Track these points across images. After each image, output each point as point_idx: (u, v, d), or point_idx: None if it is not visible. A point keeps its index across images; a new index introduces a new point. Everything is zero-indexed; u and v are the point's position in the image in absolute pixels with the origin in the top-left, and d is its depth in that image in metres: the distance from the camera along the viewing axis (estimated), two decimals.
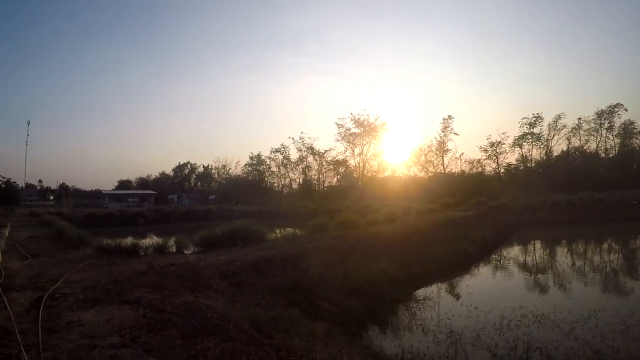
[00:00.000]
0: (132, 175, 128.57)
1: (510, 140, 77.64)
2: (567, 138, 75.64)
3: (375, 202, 50.43)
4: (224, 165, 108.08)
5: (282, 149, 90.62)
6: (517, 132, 77.97)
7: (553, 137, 75.66)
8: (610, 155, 73.83)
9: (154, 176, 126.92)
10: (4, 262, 13.60)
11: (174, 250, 17.10)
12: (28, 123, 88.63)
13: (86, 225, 34.83)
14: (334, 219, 25.28)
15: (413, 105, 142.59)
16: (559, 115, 74.44)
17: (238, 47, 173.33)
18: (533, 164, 77.83)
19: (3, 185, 55.71)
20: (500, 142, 77.26)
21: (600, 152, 74.57)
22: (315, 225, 23.25)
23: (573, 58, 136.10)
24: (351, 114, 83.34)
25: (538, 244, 29.91)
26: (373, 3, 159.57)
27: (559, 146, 76.47)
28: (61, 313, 7.87)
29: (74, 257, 15.27)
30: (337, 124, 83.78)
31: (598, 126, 73.90)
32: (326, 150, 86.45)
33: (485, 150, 78.47)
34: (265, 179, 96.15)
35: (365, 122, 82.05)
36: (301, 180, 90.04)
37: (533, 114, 75.94)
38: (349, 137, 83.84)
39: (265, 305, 10.05)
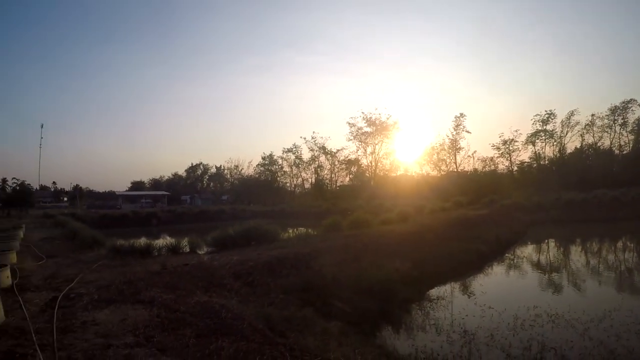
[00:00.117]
0: (145, 177, 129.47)
1: (523, 138, 76.64)
2: (581, 135, 74.31)
3: (388, 201, 50.16)
4: (237, 166, 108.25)
5: (294, 149, 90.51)
6: (529, 130, 77.01)
7: (566, 134, 74.55)
8: (625, 152, 72.34)
9: (166, 177, 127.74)
10: (19, 263, 13.71)
11: (188, 250, 17.15)
12: (41, 126, 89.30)
13: (100, 226, 35.08)
14: (347, 218, 25.20)
15: (424, 104, 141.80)
16: (572, 112, 73.38)
17: (249, 48, 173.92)
18: (546, 162, 76.79)
19: (18, 188, 56.19)
20: (513, 139, 76.27)
21: (614, 148, 73.14)
22: (328, 225, 23.20)
23: (584, 54, 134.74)
24: (363, 113, 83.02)
25: (552, 243, 29.57)
26: (383, 1, 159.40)
27: (572, 143, 75.28)
28: (76, 313, 7.91)
29: (88, 258, 15.37)
30: (349, 123, 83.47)
31: (612, 122, 72.42)
32: (338, 150, 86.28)
33: (498, 148, 77.67)
34: (278, 179, 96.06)
35: (377, 121, 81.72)
36: (313, 180, 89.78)
37: (546, 111, 74.88)
38: (360, 136, 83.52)
39: (278, 304, 10.04)
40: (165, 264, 12.86)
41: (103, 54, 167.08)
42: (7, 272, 10.42)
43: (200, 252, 16.93)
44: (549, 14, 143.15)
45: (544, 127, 74.74)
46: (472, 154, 78.64)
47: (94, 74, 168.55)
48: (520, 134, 76.01)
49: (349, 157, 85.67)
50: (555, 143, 75.69)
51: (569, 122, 73.55)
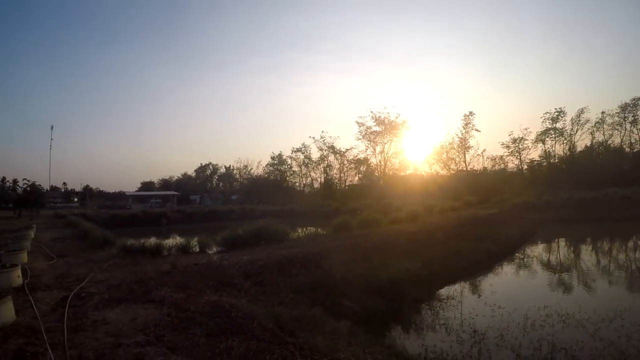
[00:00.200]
0: (155, 177, 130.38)
1: (532, 136, 75.71)
2: (591, 133, 73.28)
3: (397, 200, 50.05)
4: (246, 166, 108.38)
5: (303, 149, 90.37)
6: (539, 128, 75.94)
7: (576, 132, 73.46)
8: (635, 150, 71.06)
9: (176, 177, 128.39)
10: (30, 263, 13.82)
11: (197, 250, 17.21)
12: (51, 128, 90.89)
13: (110, 226, 35.26)
14: (356, 217, 25.17)
15: (432, 102, 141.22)
16: (582, 110, 72.22)
17: (256, 48, 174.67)
18: (556, 160, 75.80)
19: (28, 189, 56.63)
20: (522, 138, 75.45)
21: (624, 146, 72.04)
22: (338, 224, 23.18)
23: (593, 51, 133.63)
24: (371, 112, 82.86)
25: (562, 242, 29.33)
26: (388, 1, 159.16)
27: (582, 141, 74.12)
28: (87, 312, 7.95)
29: (99, 257, 15.45)
30: (358, 123, 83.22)
31: (622, 120, 71.18)
32: (347, 149, 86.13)
33: (508, 147, 76.92)
34: (287, 178, 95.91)
35: (385, 120, 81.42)
36: (322, 180, 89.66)
37: (555, 109, 73.85)
38: (369, 136, 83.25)
39: (288, 304, 10.03)
40: (175, 263, 12.90)
41: (110, 55, 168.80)
42: (18, 272, 10.49)
43: (210, 252, 16.97)
44: (557, 10, 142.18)
45: (554, 125, 73.89)
46: (482, 153, 78.17)
47: (102, 76, 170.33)
48: (530, 132, 75.22)
49: (358, 157, 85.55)
50: (565, 141, 74.79)
51: (579, 120, 72.60)
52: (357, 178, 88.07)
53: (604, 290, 15.46)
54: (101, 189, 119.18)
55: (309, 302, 10.43)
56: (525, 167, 77.25)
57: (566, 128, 73.68)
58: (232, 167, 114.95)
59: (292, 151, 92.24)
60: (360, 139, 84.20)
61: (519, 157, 77.15)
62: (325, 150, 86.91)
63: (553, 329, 10.37)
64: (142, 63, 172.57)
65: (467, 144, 77.79)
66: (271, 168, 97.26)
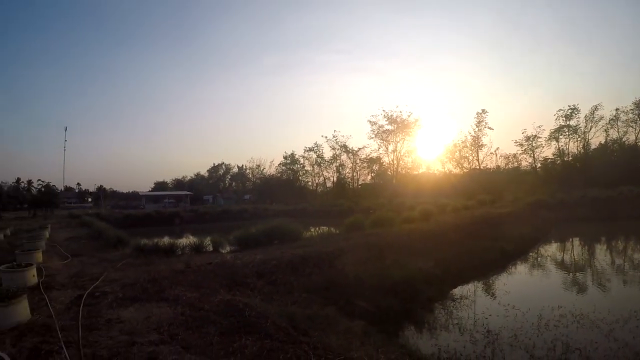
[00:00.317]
0: (168, 177, 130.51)
1: (546, 134, 74.64)
2: (605, 130, 71.85)
3: (410, 199, 49.77)
4: (258, 165, 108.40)
5: (316, 148, 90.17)
6: (552, 125, 74.84)
7: (590, 129, 72.17)
8: None
9: (189, 177, 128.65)
10: (45, 262, 13.94)
11: (211, 249, 17.25)
12: (65, 129, 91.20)
13: (124, 226, 35.50)
14: (369, 217, 25.08)
15: (444, 100, 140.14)
16: (596, 107, 70.90)
17: (268, 48, 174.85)
18: (570, 158, 74.97)
19: (43, 189, 57.27)
20: (536, 135, 74.48)
21: (639, 143, 71.91)
22: (351, 224, 23.11)
23: (605, 47, 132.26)
24: (384, 110, 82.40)
25: (576, 241, 28.96)
26: None
27: (596, 139, 73.00)
28: (101, 310, 7.99)
29: (113, 257, 15.54)
30: (370, 122, 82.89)
31: (636, 117, 69.80)
32: (360, 148, 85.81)
33: (521, 145, 76.07)
34: (300, 177, 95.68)
35: (398, 119, 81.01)
36: (335, 179, 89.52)
37: (569, 106, 72.66)
38: (382, 134, 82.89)
39: (301, 303, 10.03)
40: (189, 262, 12.95)
41: (123, 56, 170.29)
42: (34, 271, 10.58)
43: (223, 251, 17.01)
44: (568, 7, 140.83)
45: (568, 122, 73.01)
46: (495, 151, 77.61)
47: (115, 77, 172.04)
48: (544, 129, 74.24)
49: (370, 156, 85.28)
50: (579, 139, 73.73)
51: (592, 117, 71.41)
52: (369, 177, 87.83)
53: (618, 290, 15.27)
54: (115, 189, 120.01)
55: (322, 301, 10.44)
56: (539, 165, 76.49)
57: (580, 125, 72.75)
58: (244, 167, 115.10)
59: (305, 150, 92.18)
60: (372, 137, 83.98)
61: (532, 155, 76.38)
62: (338, 149, 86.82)
63: (567, 330, 10.28)
64: (155, 64, 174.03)
65: (480, 142, 77.06)
66: (284, 167, 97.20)
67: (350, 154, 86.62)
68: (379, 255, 15.52)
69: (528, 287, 16.10)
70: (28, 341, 6.19)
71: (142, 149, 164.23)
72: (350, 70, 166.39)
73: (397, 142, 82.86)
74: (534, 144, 75.28)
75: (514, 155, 77.04)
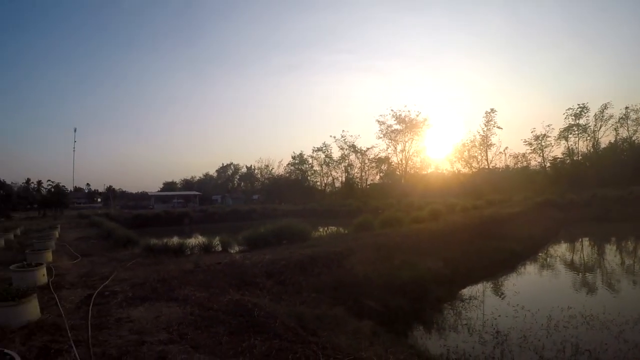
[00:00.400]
0: (177, 177, 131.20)
1: (555, 133, 74.44)
2: (615, 129, 71.82)
3: (419, 199, 49.67)
4: (267, 165, 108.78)
5: (324, 148, 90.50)
6: (561, 124, 74.73)
7: (600, 128, 72.10)
8: None
9: (198, 177, 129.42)
10: (55, 262, 14.03)
11: (220, 249, 17.25)
12: (74, 130, 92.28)
13: (133, 226, 35.78)
14: (378, 217, 25.04)
15: (453, 100, 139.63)
16: (606, 105, 70.88)
17: (275, 48, 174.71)
18: (580, 157, 74.73)
19: (53, 190, 57.65)
20: (545, 135, 74.41)
21: None
22: (359, 224, 23.06)
23: (614, 46, 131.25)
24: (392, 110, 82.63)
25: (586, 242, 28.72)
26: None
27: (606, 138, 72.96)
28: (110, 310, 8.02)
29: (122, 256, 15.60)
30: (379, 121, 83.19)
31: None
32: (368, 148, 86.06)
33: (530, 144, 75.93)
34: (308, 177, 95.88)
35: (406, 118, 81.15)
36: (344, 179, 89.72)
37: (578, 105, 72.53)
38: (390, 134, 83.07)
39: (310, 303, 10.02)
40: (198, 262, 12.96)
41: (131, 57, 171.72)
42: (43, 270, 10.64)
43: (232, 251, 17.01)
44: (577, 6, 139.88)
45: (577, 121, 72.54)
46: (504, 151, 77.44)
47: (124, 78, 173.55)
48: (553, 129, 74.04)
49: (379, 155, 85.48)
50: (588, 138, 73.35)
51: (602, 116, 71.02)
52: (378, 177, 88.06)
53: (628, 291, 15.14)
54: (124, 190, 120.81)
55: (331, 301, 10.42)
56: (548, 164, 76.15)
57: (589, 124, 72.28)
58: (253, 167, 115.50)
59: (313, 150, 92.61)
60: (381, 137, 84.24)
61: (541, 155, 76.19)
62: (346, 149, 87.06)
63: (577, 331, 10.21)
64: (163, 65, 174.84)
65: (489, 142, 77.08)
66: (292, 167, 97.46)
67: (358, 154, 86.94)
68: (388, 255, 15.48)
69: (537, 287, 16.01)
70: (38, 340, 6.22)
71: (151, 150, 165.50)
72: (357, 70, 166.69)
73: (406, 141, 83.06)
74: (543, 143, 75.09)
75: (523, 155, 77.10)
